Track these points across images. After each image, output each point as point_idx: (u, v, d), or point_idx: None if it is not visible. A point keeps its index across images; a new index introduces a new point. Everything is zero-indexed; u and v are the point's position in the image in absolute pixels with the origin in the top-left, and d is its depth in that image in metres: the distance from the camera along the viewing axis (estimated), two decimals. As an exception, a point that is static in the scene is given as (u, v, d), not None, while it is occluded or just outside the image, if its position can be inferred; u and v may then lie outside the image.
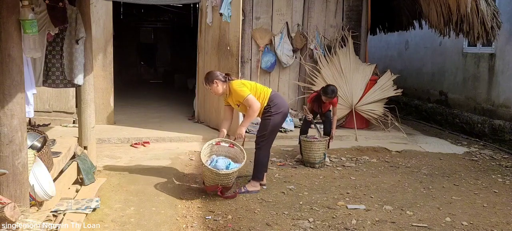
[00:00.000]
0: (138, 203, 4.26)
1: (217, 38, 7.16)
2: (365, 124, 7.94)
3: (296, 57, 8.22)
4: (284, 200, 4.47)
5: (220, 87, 4.64)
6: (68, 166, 4.38)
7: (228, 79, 4.67)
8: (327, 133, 5.98)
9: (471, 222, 4.05)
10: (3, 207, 2.55)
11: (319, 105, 5.93)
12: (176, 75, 14.15)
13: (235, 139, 4.69)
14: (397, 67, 10.85)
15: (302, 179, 5.18)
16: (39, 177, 3.35)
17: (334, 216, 4.09)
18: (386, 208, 4.33)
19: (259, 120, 4.82)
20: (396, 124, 7.72)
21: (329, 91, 5.72)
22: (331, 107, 5.98)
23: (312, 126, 6.02)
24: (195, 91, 8.44)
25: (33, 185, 3.24)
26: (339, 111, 7.65)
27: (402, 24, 9.77)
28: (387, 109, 7.84)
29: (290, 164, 5.80)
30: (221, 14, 6.77)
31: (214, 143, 4.69)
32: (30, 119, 5.86)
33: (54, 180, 3.77)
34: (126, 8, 10.54)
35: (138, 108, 9.48)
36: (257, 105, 4.54)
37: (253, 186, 4.70)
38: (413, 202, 4.52)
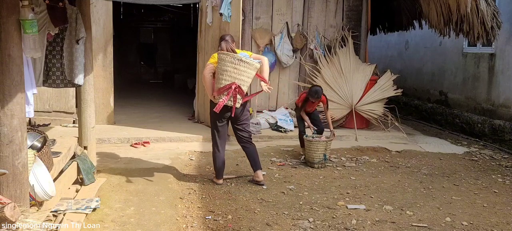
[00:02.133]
0: (138, 203, 4.26)
1: (217, 38, 7.14)
2: (365, 124, 7.94)
3: (296, 57, 8.22)
4: (284, 200, 4.48)
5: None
6: (68, 166, 4.38)
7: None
8: (320, 131, 5.96)
9: (471, 222, 4.05)
10: (3, 207, 2.55)
11: (308, 105, 5.93)
12: (176, 75, 14.14)
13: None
14: (397, 67, 10.85)
15: (302, 179, 5.18)
16: (39, 177, 3.35)
17: (334, 216, 4.09)
18: (386, 208, 4.33)
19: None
20: (396, 123, 7.72)
21: (313, 92, 5.74)
22: (321, 105, 6.00)
23: (307, 124, 6.00)
24: (195, 91, 8.43)
25: (33, 185, 3.24)
26: (339, 111, 7.67)
27: (402, 24, 9.77)
28: (387, 109, 7.84)
29: (290, 164, 5.80)
30: (221, 14, 6.77)
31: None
32: (30, 118, 5.86)
33: (54, 180, 3.77)
34: (126, 8, 10.57)
35: (138, 108, 9.48)
36: (204, 73, 4.68)
37: (216, 179, 4.97)
38: (413, 202, 4.52)
